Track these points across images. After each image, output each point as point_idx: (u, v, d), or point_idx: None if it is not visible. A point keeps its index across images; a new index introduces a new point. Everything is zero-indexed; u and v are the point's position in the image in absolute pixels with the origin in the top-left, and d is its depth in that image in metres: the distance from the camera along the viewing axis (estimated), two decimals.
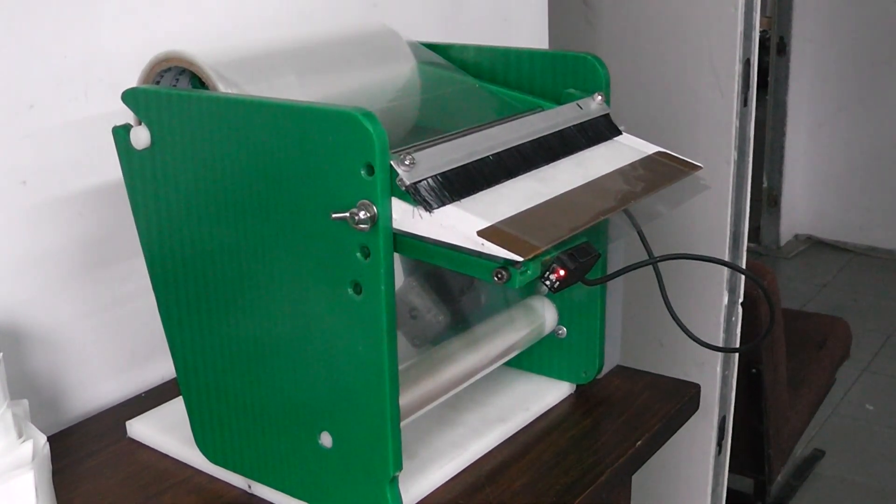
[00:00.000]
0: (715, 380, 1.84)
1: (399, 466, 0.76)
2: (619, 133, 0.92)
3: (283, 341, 0.78)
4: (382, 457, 0.75)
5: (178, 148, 0.79)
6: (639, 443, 0.94)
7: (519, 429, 0.96)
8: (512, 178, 0.79)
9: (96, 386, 1.05)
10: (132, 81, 0.84)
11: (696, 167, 0.89)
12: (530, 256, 0.69)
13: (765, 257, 4.26)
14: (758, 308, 1.97)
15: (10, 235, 0.96)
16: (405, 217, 0.71)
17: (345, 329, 0.73)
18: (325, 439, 0.78)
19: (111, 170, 0.86)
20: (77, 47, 0.97)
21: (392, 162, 0.70)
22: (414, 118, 0.96)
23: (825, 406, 2.69)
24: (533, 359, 1.02)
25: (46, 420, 0.99)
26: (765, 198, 4.25)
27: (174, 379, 0.91)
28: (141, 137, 0.81)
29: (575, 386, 1.02)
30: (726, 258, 1.76)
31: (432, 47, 1.00)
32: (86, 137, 0.98)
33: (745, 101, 1.68)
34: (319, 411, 0.78)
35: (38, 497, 0.79)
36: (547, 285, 0.73)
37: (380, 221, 0.69)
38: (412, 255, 0.73)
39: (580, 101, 0.90)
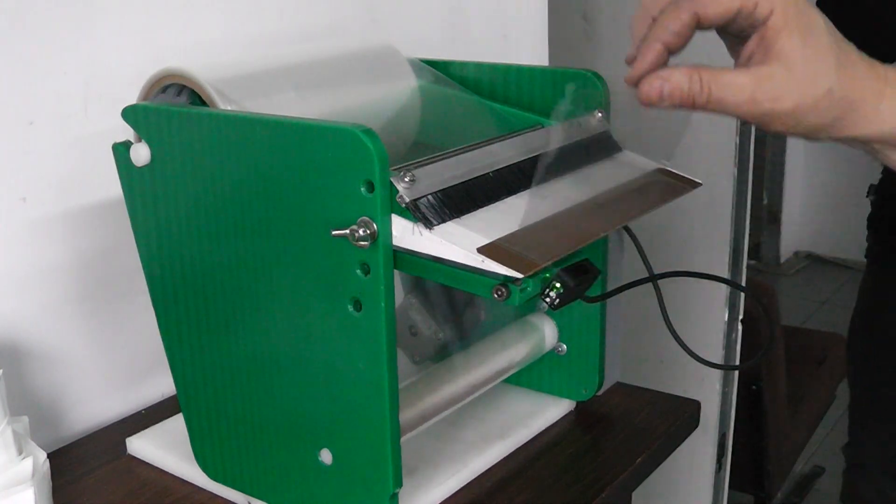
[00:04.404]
0: (715, 397, 1.84)
1: (399, 483, 0.76)
2: (619, 150, 0.92)
3: (283, 358, 0.78)
4: (382, 473, 0.75)
5: (178, 165, 0.79)
6: (639, 459, 0.93)
7: (519, 445, 0.95)
8: (512, 195, 0.79)
9: (96, 403, 1.05)
10: (132, 98, 0.84)
11: (697, 184, 0.89)
12: (530, 273, 0.69)
13: (765, 274, 4.26)
14: (758, 325, 1.97)
15: (9, 252, 0.96)
16: (405, 234, 0.71)
17: (345, 346, 0.73)
18: (325, 456, 0.78)
19: (111, 187, 0.86)
20: (77, 64, 0.97)
21: (392, 179, 0.70)
22: (414, 135, 0.97)
23: (825, 422, 2.68)
24: (533, 376, 1.02)
25: (46, 437, 0.98)
26: (765, 214, 4.25)
27: (174, 396, 0.91)
28: (141, 154, 0.81)
29: (575, 403, 1.02)
30: (726, 275, 1.76)
31: (432, 64, 1.01)
32: (86, 154, 0.98)
33: None
34: (319, 428, 0.78)
35: None
36: (547, 302, 0.73)
37: (380, 238, 0.69)
38: (412, 272, 0.73)
39: (580, 118, 0.90)
